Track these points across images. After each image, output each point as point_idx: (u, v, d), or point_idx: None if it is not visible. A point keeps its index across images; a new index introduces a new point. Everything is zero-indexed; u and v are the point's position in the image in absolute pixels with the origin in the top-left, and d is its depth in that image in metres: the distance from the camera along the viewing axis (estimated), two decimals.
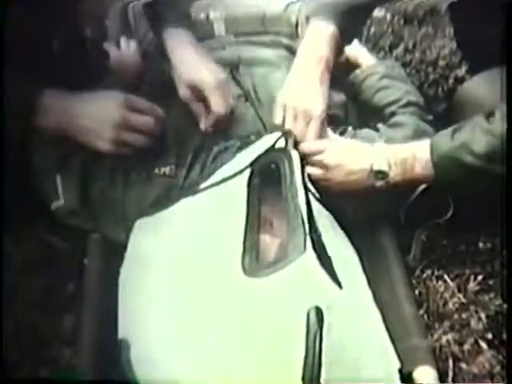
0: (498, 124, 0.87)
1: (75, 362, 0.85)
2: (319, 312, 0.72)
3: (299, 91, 1.02)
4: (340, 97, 1.21)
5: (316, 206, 0.92)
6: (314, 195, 0.94)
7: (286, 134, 0.98)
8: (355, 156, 0.97)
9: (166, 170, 1.02)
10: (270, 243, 0.87)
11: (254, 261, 0.80)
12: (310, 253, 0.78)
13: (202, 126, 1.05)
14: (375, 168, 0.93)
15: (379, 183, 0.94)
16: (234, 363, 0.73)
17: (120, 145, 0.97)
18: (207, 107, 1.04)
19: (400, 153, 0.94)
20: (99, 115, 0.95)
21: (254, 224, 0.85)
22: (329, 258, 0.83)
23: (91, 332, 0.86)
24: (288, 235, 0.82)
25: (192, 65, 1.05)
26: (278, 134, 0.99)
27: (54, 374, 0.86)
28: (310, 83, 1.03)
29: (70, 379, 0.83)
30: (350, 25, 1.07)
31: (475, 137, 0.88)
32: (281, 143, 0.98)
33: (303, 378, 0.70)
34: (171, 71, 1.07)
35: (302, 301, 0.74)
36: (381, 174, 0.93)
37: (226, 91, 1.05)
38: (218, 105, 1.03)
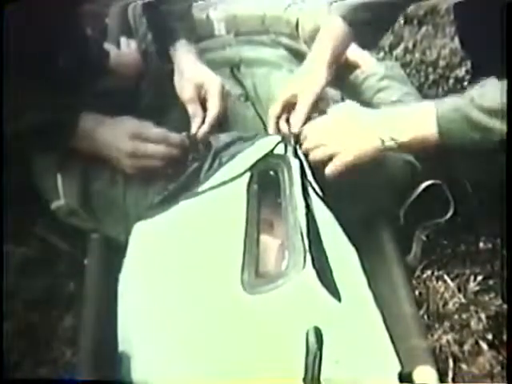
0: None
1: (75, 362, 0.85)
2: (318, 332, 0.72)
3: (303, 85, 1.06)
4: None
5: (318, 205, 0.92)
6: (316, 193, 0.94)
7: (285, 140, 0.98)
8: (358, 122, 0.96)
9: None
10: (270, 244, 0.86)
11: (252, 276, 0.78)
12: (310, 270, 0.77)
13: (194, 128, 1.05)
14: (387, 144, 0.92)
15: (389, 143, 0.92)
16: (233, 379, 0.72)
17: (139, 169, 1.00)
18: (204, 109, 1.06)
19: (408, 118, 0.92)
20: (113, 145, 0.99)
21: (253, 232, 0.84)
22: (329, 270, 0.82)
23: (91, 332, 0.85)
24: (288, 250, 0.81)
25: (198, 67, 1.09)
26: (277, 138, 0.99)
27: (53, 374, 0.86)
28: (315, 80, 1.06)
29: (70, 379, 0.83)
30: (367, 30, 1.09)
31: (483, 93, 0.87)
32: (280, 149, 0.97)
33: None
34: (174, 77, 1.09)
35: (301, 319, 0.74)
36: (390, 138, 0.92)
37: (225, 96, 1.08)
38: (215, 105, 1.06)
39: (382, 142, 0.92)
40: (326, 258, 0.84)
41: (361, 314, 0.84)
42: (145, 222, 0.93)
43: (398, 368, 0.82)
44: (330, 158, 0.95)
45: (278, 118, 1.07)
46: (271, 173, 0.93)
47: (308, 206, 0.86)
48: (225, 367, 0.73)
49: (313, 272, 0.76)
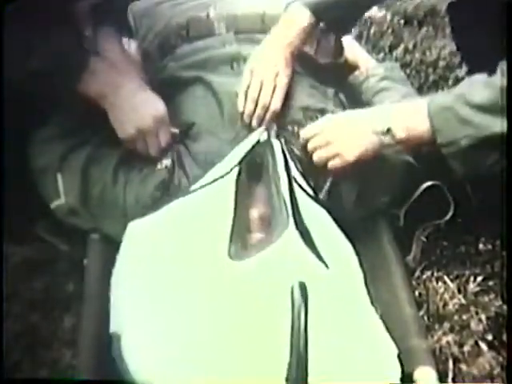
0: (499, 78, 0.86)
1: (75, 363, 0.85)
2: (303, 287, 0.72)
3: (267, 61, 1.08)
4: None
5: (310, 204, 0.92)
6: (308, 194, 0.94)
7: (268, 127, 1.00)
8: (355, 122, 0.97)
9: (168, 162, 1.02)
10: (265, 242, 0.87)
11: (239, 248, 0.81)
12: (293, 231, 0.78)
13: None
14: (378, 129, 0.93)
15: (386, 139, 0.93)
16: (222, 348, 0.73)
17: (138, 142, 1.00)
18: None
19: (401, 111, 0.94)
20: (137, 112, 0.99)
21: (242, 219, 0.85)
22: (313, 240, 0.83)
23: (91, 332, 0.86)
24: (272, 217, 0.82)
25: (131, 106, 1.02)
26: (261, 129, 1.01)
27: (53, 375, 0.86)
28: (275, 59, 1.09)
29: (70, 379, 0.83)
30: (333, 17, 1.09)
31: (473, 89, 0.88)
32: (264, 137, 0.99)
33: (290, 358, 0.70)
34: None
35: (287, 277, 0.74)
36: (385, 132, 0.93)
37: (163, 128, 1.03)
38: (153, 147, 1.02)
39: (379, 136, 0.93)
40: (310, 234, 0.85)
41: (349, 295, 0.85)
42: (139, 221, 0.94)
43: (398, 368, 0.82)
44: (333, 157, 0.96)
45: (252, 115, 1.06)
46: (257, 160, 0.95)
47: (290, 181, 0.88)
48: (213, 336, 0.74)
49: (296, 233, 0.78)
